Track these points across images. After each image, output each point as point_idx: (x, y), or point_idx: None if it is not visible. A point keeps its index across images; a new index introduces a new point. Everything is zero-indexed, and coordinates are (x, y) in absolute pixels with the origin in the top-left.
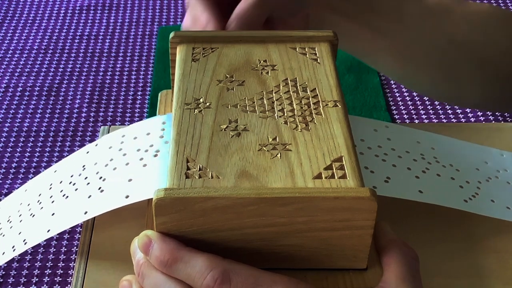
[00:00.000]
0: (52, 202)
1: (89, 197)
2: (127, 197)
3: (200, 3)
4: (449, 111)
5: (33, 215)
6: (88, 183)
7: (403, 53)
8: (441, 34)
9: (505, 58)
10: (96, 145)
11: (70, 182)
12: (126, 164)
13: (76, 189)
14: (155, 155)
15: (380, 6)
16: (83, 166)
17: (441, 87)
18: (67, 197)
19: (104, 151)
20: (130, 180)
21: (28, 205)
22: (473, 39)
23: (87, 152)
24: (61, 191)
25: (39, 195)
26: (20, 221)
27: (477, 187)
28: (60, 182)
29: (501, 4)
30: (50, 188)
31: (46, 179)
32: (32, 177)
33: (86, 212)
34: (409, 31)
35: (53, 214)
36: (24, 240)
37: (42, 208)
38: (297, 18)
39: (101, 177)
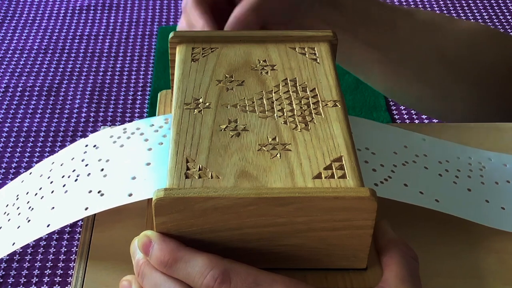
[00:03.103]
0: None
1: (18, 227)
2: (48, 226)
3: (196, 10)
4: None
5: None
6: (19, 214)
7: (394, 67)
8: (431, 50)
9: (491, 76)
10: (30, 174)
11: (5, 213)
12: (52, 192)
13: (9, 220)
14: (76, 180)
15: (373, 20)
16: (17, 195)
17: (428, 102)
18: (0, 228)
19: (35, 180)
20: (52, 208)
21: None
22: (461, 56)
23: (22, 181)
24: None
25: None
26: None
27: (391, 171)
28: None
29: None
30: None
31: None
32: None
33: (14, 243)
34: (400, 45)
35: None
36: None
37: None
38: (290, 26)
39: (30, 207)
